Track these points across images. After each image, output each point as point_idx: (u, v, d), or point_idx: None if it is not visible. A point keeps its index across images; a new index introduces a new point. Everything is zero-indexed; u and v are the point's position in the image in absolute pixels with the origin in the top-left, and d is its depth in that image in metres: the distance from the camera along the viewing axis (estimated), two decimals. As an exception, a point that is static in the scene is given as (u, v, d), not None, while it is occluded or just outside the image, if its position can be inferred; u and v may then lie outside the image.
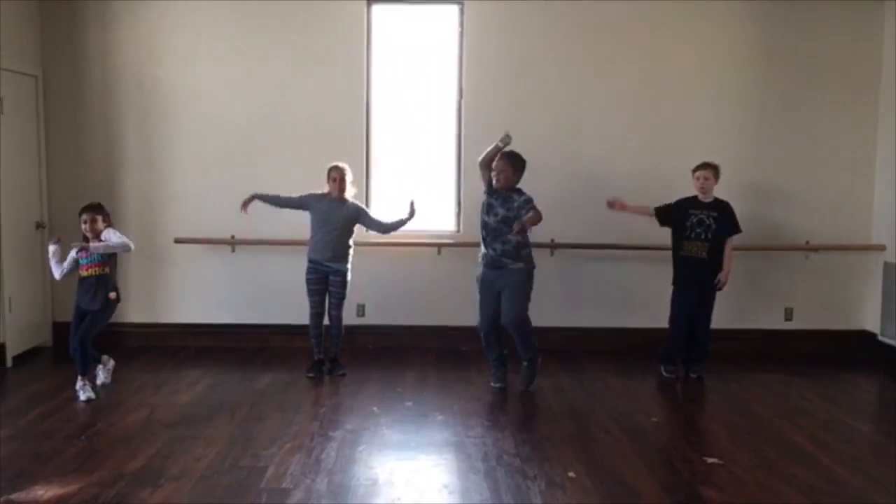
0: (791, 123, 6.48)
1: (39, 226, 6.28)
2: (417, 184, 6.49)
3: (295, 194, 5.72)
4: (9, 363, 5.79)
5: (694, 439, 4.50)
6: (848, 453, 4.33)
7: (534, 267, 5.39)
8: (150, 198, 6.46)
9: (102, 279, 5.14)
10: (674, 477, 3.94)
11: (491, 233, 5.33)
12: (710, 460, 4.15)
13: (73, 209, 6.37)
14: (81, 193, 6.36)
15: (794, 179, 6.50)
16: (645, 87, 6.45)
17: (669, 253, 6.41)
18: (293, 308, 6.14)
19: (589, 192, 6.41)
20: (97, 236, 5.15)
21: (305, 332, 5.84)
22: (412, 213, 5.71)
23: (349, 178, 5.71)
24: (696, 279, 5.64)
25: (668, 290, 6.61)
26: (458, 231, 6.55)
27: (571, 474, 3.94)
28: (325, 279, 5.66)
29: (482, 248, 5.42)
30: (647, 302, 6.50)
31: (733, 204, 5.75)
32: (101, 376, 5.37)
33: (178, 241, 6.39)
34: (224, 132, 6.40)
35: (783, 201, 6.48)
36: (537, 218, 5.15)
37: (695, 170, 5.69)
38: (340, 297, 5.73)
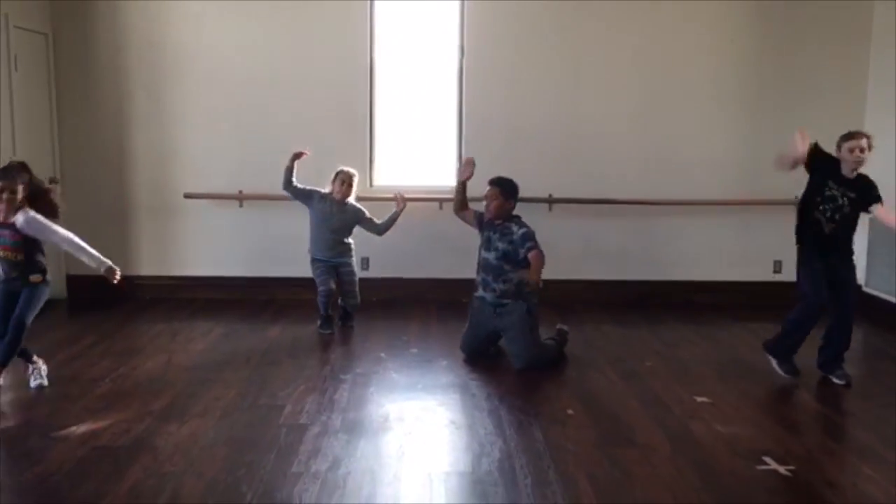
0: (783, 82, 6.66)
1: (52, 181, 6.41)
2: (420, 140, 6.68)
3: (308, 186, 5.78)
4: (27, 314, 5.99)
5: (685, 381, 4.75)
6: (831, 392, 4.61)
7: (535, 302, 5.02)
8: (160, 154, 6.63)
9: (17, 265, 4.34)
10: (665, 413, 4.20)
11: (492, 271, 5.02)
12: (699, 399, 4.41)
13: (85, 164, 6.63)
14: (93, 149, 6.62)
15: (785, 136, 6.65)
16: (643, 48, 6.62)
17: (663, 207, 6.63)
18: (300, 261, 6.33)
19: (587, 147, 6.66)
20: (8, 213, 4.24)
21: (312, 285, 5.95)
22: (401, 207, 5.80)
23: (355, 187, 5.80)
24: (819, 250, 4.73)
25: (663, 242, 6.84)
26: (459, 187, 6.75)
27: (570, 412, 4.20)
28: (334, 268, 5.80)
29: (480, 290, 5.13)
30: (643, 255, 6.78)
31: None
32: (35, 379, 4.49)
33: (187, 196, 6.57)
34: (231, 89, 6.55)
35: (774, 157, 6.67)
36: (540, 264, 4.79)
37: (847, 138, 4.63)
38: (354, 284, 5.84)
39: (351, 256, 5.92)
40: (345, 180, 5.76)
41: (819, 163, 4.67)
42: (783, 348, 4.83)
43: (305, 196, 5.82)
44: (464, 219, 5.33)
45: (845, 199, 4.62)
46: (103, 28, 6.49)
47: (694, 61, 6.66)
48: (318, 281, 5.79)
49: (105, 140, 6.57)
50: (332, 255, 5.82)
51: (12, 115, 5.89)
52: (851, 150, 4.57)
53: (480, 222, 5.22)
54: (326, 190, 5.82)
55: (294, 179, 5.74)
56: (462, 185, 5.26)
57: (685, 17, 6.60)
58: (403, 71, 6.72)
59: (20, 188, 4.22)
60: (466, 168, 5.24)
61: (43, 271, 4.40)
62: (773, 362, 4.85)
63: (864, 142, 4.57)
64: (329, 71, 6.55)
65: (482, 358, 5.15)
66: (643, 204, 6.62)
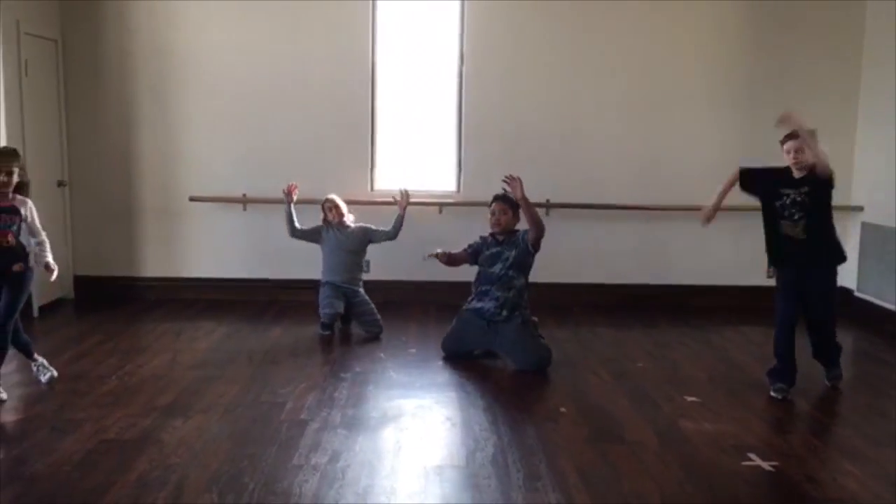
0: (776, 87, 6.76)
1: (61, 184, 6.60)
2: (420, 145, 6.84)
3: (309, 225, 5.96)
4: (35, 313, 6.11)
5: (675, 381, 4.87)
6: (818, 393, 4.74)
7: (528, 310, 5.23)
8: (166, 157, 6.77)
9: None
10: (655, 412, 4.33)
11: (496, 281, 5.15)
12: (689, 398, 4.54)
13: (92, 167, 6.80)
14: (100, 152, 6.80)
15: (777, 142, 6.80)
16: (638, 55, 6.76)
17: (658, 212, 6.75)
18: (301, 264, 6.46)
19: (584, 153, 6.81)
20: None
21: (312, 287, 6.10)
22: (403, 205, 5.86)
23: (343, 205, 5.96)
24: (796, 259, 4.63)
25: (658, 246, 6.96)
26: (458, 191, 6.88)
27: (563, 410, 4.33)
28: (344, 295, 5.89)
29: (475, 302, 5.26)
30: (637, 259, 6.91)
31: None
32: (44, 374, 4.59)
33: (192, 199, 6.71)
34: (236, 94, 6.69)
35: (768, 162, 6.79)
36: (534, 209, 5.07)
37: (783, 141, 4.66)
38: (374, 313, 5.88)
39: (360, 284, 6.03)
40: (330, 207, 5.94)
41: (757, 181, 4.77)
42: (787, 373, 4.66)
43: (313, 234, 6.00)
44: (461, 262, 5.44)
45: (802, 196, 4.53)
46: (111, 34, 6.64)
47: (691, 68, 6.80)
48: (322, 304, 5.84)
49: (112, 143, 6.72)
50: (346, 278, 5.93)
51: (22, 118, 6.04)
52: (789, 152, 4.58)
53: (476, 251, 5.35)
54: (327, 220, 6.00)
55: (297, 224, 5.92)
56: (442, 258, 5.38)
57: (684, 25, 6.75)
58: (404, 75, 6.86)
59: (15, 171, 4.22)
60: (441, 260, 5.36)
61: (25, 259, 4.36)
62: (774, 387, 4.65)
63: (797, 142, 4.55)
64: (332, 75, 6.69)
65: (464, 358, 5.26)
66: (639, 209, 6.76)
